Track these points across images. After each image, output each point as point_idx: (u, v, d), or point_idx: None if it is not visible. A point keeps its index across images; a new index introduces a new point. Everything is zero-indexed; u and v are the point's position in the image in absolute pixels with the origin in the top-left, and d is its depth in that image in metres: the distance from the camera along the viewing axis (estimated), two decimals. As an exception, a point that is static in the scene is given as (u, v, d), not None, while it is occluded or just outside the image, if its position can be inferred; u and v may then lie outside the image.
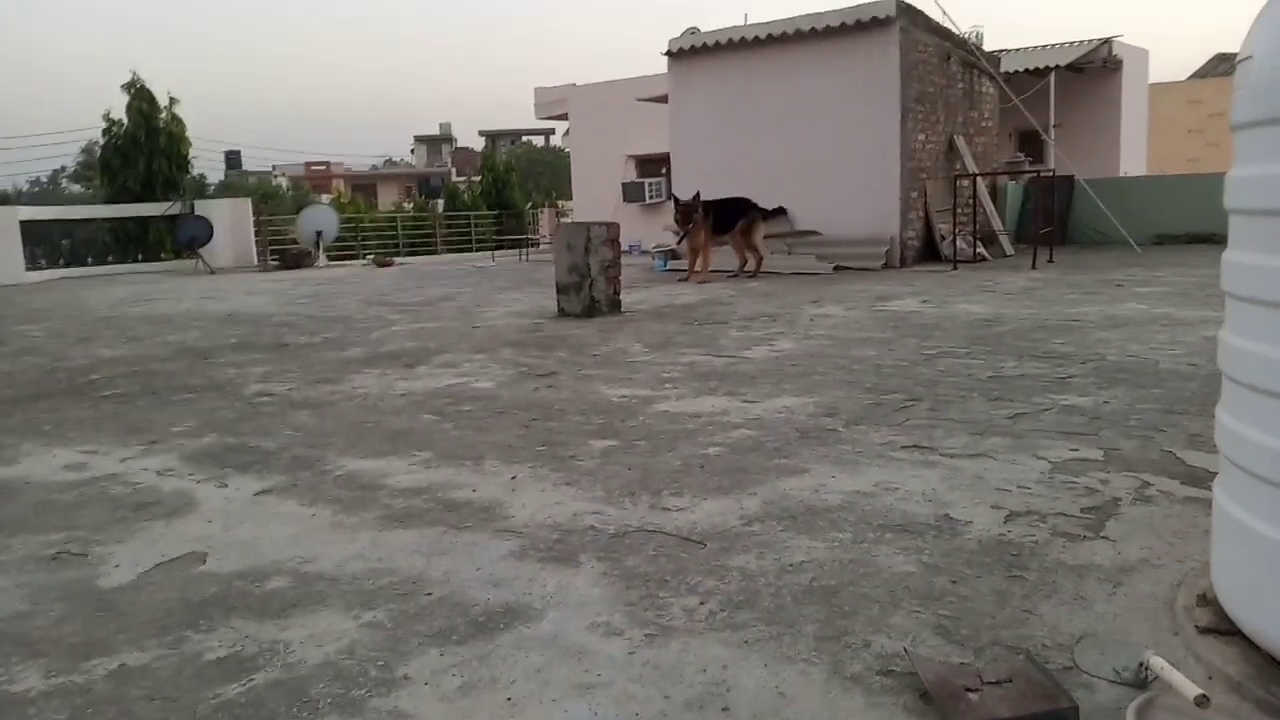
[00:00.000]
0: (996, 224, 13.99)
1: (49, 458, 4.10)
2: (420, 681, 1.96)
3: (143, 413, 5.00)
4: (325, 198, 36.30)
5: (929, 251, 13.16)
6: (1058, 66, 16.13)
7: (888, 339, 6.41)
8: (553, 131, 50.79)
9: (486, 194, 30.39)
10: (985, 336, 6.34)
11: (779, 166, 13.17)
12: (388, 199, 49.80)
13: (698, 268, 11.79)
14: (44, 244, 19.33)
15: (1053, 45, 17.05)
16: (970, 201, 12.82)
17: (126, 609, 2.44)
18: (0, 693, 2.01)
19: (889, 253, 12.46)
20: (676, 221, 11.70)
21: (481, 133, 59.30)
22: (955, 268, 11.89)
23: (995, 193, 14.73)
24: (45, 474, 3.83)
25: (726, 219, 11.86)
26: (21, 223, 17.34)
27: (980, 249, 12.87)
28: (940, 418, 4.10)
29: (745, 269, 12.21)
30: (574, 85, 21.95)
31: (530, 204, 31.54)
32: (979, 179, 13.42)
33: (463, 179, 42.12)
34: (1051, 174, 13.85)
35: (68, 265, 19.20)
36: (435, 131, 65.57)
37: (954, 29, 13.80)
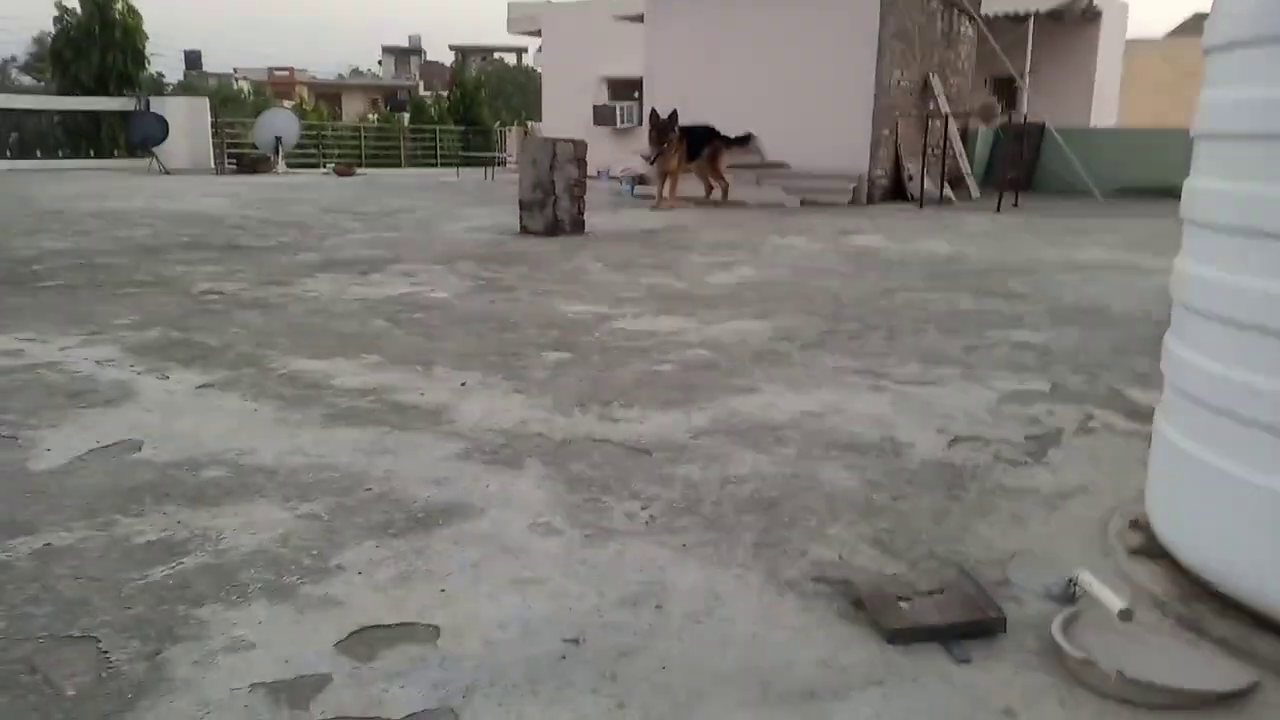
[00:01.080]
0: (965, 166, 13.98)
1: (-16, 344, 3.97)
2: (354, 570, 1.93)
3: (86, 304, 4.85)
4: (288, 104, 35.24)
5: (897, 190, 13.14)
6: (1037, 13, 15.96)
7: (848, 272, 6.40)
8: (525, 50, 49.55)
9: (454, 110, 29.70)
10: (945, 274, 6.36)
11: (754, 96, 12.98)
12: (353, 110, 48.43)
13: (666, 193, 11.63)
14: (-11, 135, 18.60)
15: (1035, -10, 16.85)
16: (941, 142, 12.77)
17: (55, 491, 2.37)
18: (-82, 567, 1.95)
19: (856, 189, 12.42)
20: (651, 140, 11.40)
21: (452, 47, 57.65)
22: (921, 207, 11.89)
23: (966, 136, 14.68)
24: (-21, 359, 3.71)
25: (693, 146, 11.64)
26: (-37, 113, 16.65)
27: (948, 191, 12.87)
28: (894, 347, 4.11)
29: (711, 197, 12.10)
30: (549, 2, 21.33)
31: (499, 123, 30.90)
32: (951, 120, 13.35)
33: (429, 93, 41.07)
34: (1023, 120, 13.82)
35: (15, 158, 18.49)
36: (404, 43, 63.61)
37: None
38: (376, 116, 36.68)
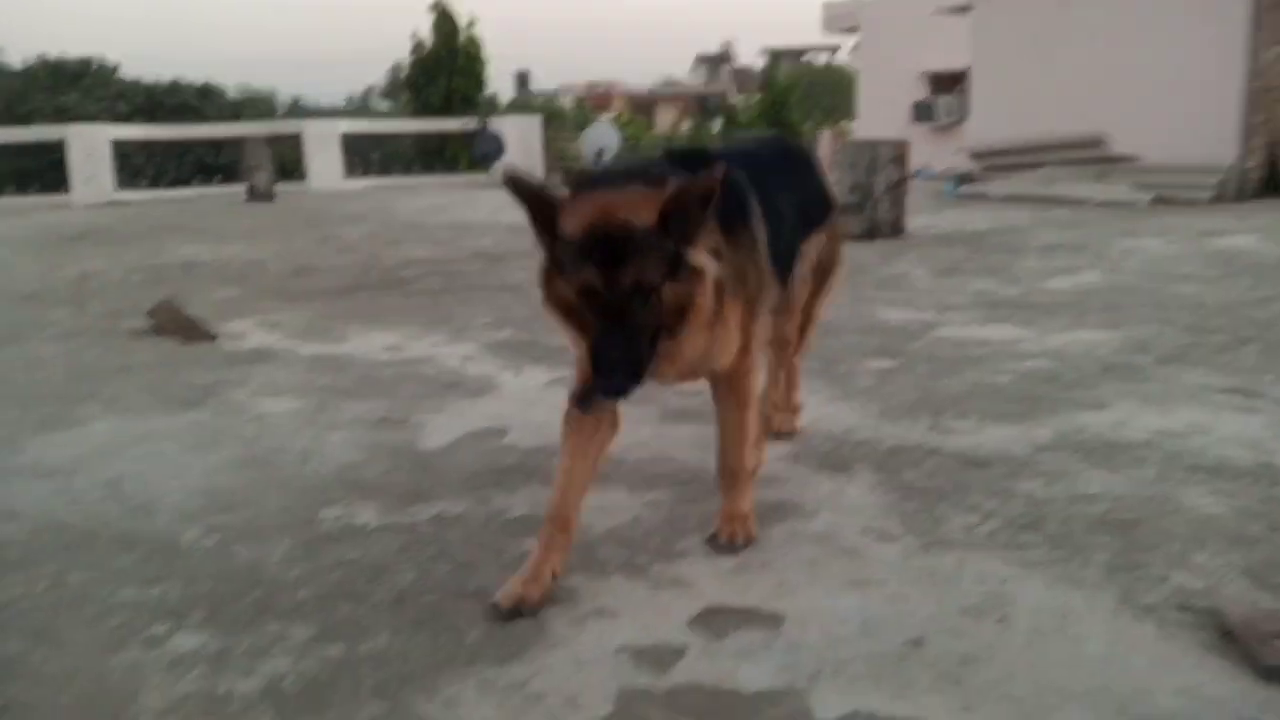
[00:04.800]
0: (1361, 154, 11.95)
1: (371, 339, 4.63)
2: (697, 556, 2.07)
3: (447, 306, 5.51)
4: (606, 116, 37.51)
5: (1273, 185, 11.49)
6: None
7: (1213, 276, 5.73)
8: (836, 48, 49.06)
9: (765, 114, 30.02)
10: (1335, 280, 5.51)
11: (1095, 83, 11.91)
12: (665, 119, 50.55)
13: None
14: (358, 154, 21.41)
15: None
16: (1329, 127, 11.02)
17: (441, 468, 2.75)
18: (345, 525, 2.36)
19: (1222, 184, 10.99)
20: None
21: (763, 50, 58.40)
22: (1302, 203, 10.34)
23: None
24: (368, 353, 4.34)
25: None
26: (341, 135, 19.35)
27: (1336, 183, 11.07)
28: (1272, 363, 3.64)
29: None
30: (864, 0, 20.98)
31: (810, 123, 30.81)
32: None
33: (742, 96, 41.88)
34: None
35: (377, 175, 21.19)
36: (715, 50, 65.36)
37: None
38: (688, 125, 37.99)
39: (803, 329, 2.78)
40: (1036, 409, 3.11)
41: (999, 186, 12.32)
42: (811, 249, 2.60)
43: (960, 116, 16.79)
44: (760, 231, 2.12)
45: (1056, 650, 1.67)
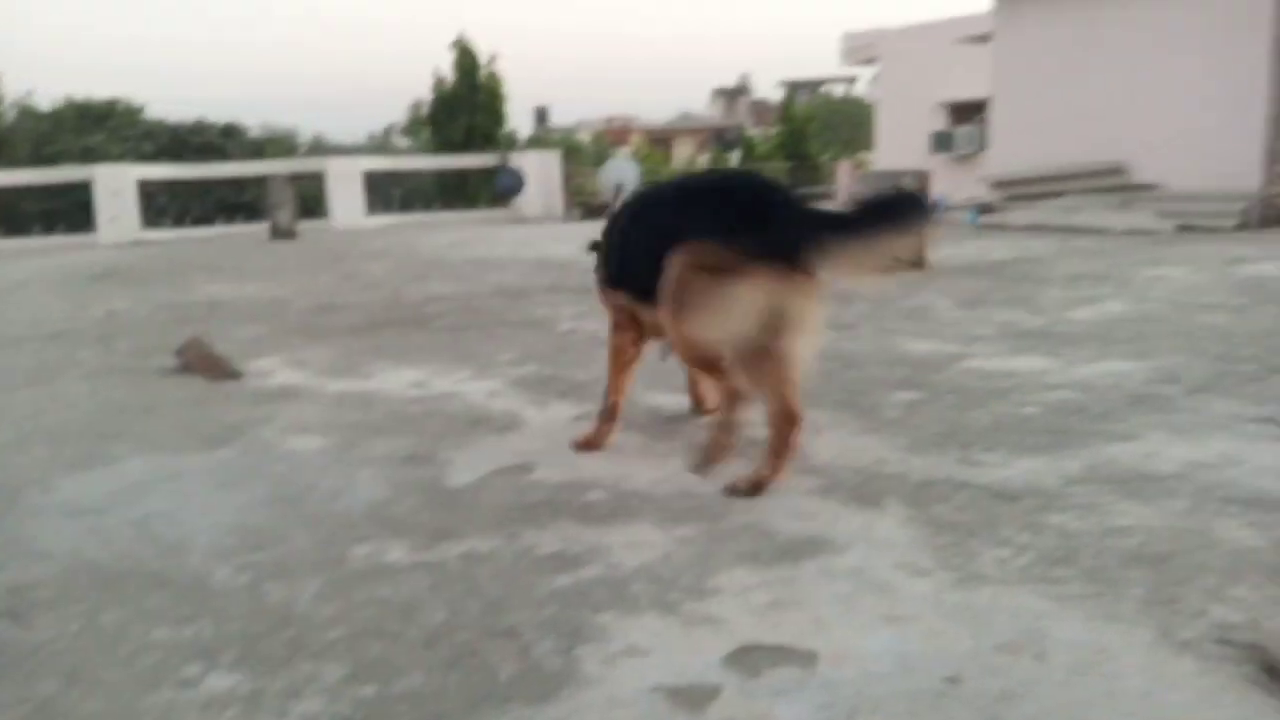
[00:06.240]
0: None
1: (397, 375, 4.66)
2: (730, 593, 2.06)
3: (471, 342, 5.54)
4: (624, 150, 37.81)
5: (1298, 211, 11.43)
6: None
7: (1241, 305, 5.68)
8: (854, 80, 49.34)
9: (784, 145, 30.19)
10: (1365, 306, 5.45)
11: (1117, 111, 11.92)
12: (682, 152, 50.87)
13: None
14: (379, 192, 21.67)
15: None
16: (1353, 152, 10.96)
17: (470, 505, 2.75)
18: (375, 562, 2.36)
19: (1246, 210, 10.93)
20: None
21: (780, 82, 58.76)
22: (1328, 229, 10.25)
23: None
24: (395, 389, 4.36)
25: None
26: (363, 173, 19.59)
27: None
28: (1303, 391, 3.60)
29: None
30: (884, 30, 21.12)
31: (828, 154, 30.94)
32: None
33: (759, 128, 42.13)
34: None
35: (399, 212, 21.40)
36: (733, 83, 65.84)
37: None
38: (706, 157, 38.23)
39: None
40: (1065, 441, 3.09)
41: (1020, 216, 12.30)
42: None
43: (979, 146, 16.81)
44: None
45: (1095, 686, 1.65)
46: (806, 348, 2.71)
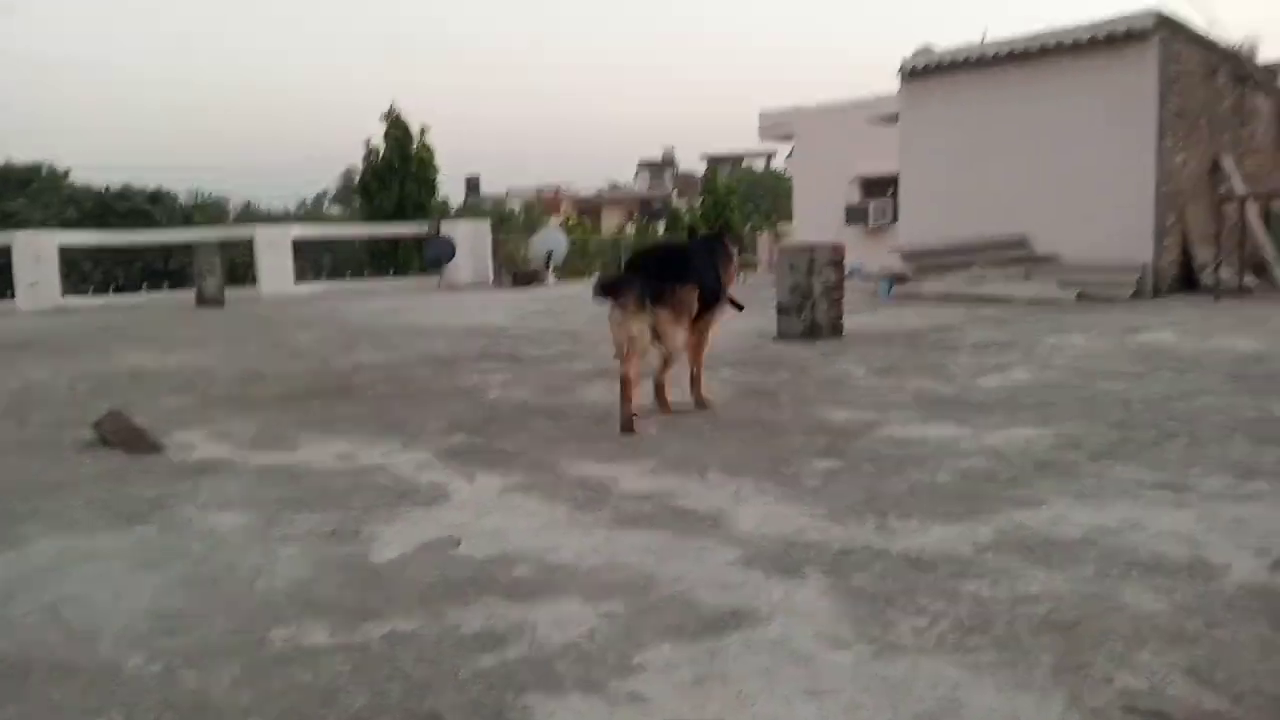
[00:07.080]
0: (1269, 252, 12.68)
1: (323, 447, 4.60)
2: (655, 669, 2.08)
3: (400, 412, 5.50)
4: (554, 220, 38.21)
5: (1187, 281, 12.13)
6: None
7: (1138, 372, 5.99)
8: (773, 154, 50.87)
9: (707, 216, 30.85)
10: (1252, 374, 5.79)
11: (1019, 188, 12.56)
12: (611, 222, 51.55)
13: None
14: (309, 259, 21.44)
15: (1343, 54, 15.26)
16: (1238, 227, 11.71)
17: (394, 582, 2.72)
18: (296, 645, 2.32)
19: (1140, 281, 11.58)
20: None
21: (703, 156, 60.23)
22: (1218, 299, 10.89)
23: (1269, 218, 13.35)
24: (321, 461, 4.30)
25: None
26: (292, 240, 19.40)
27: (1249, 279, 11.71)
28: (1197, 457, 3.81)
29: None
30: (799, 108, 21.93)
31: (750, 225, 31.70)
32: (1248, 203, 12.22)
33: (683, 200, 43.01)
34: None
35: (328, 279, 21.21)
36: (658, 156, 67.26)
37: (1221, 41, 12.69)
38: (633, 227, 38.85)
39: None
40: (977, 507, 3.20)
41: (931, 286, 12.79)
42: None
43: (891, 219, 17.46)
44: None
45: (1008, 754, 1.70)
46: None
